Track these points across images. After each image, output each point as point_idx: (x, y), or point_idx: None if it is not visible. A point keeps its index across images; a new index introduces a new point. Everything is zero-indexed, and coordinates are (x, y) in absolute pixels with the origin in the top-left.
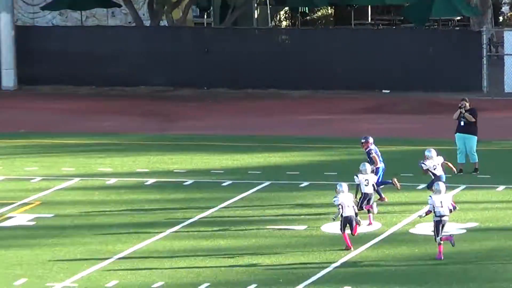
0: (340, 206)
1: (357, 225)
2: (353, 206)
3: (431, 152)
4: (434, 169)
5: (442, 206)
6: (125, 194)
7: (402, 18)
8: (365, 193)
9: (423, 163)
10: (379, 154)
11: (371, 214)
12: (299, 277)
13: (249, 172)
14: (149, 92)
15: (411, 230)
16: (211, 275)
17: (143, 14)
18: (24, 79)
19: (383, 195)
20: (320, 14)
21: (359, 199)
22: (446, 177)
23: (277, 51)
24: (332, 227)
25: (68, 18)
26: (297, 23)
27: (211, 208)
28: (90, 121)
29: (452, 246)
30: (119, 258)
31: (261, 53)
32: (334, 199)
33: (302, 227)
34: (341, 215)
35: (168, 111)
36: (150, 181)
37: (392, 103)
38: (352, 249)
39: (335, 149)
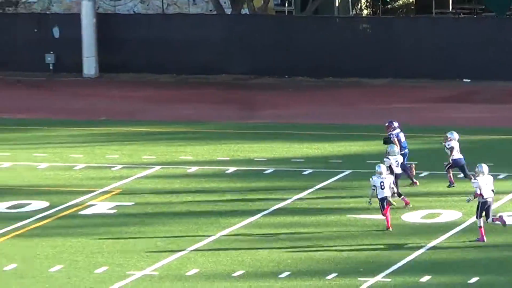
0: (374, 187)
1: (389, 205)
2: (390, 187)
3: (454, 134)
4: (457, 152)
5: (486, 188)
6: (206, 182)
7: (483, 7)
8: (396, 174)
9: (448, 143)
10: (401, 139)
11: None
12: (379, 266)
13: (329, 160)
14: (230, 80)
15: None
16: (291, 264)
17: (224, 2)
18: (105, 66)
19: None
20: (401, 2)
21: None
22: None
23: (358, 39)
24: (413, 217)
25: (150, 6)
26: (378, 11)
27: (291, 196)
28: (171, 109)
29: (504, 226)
30: (200, 247)
31: (342, 42)
32: (370, 179)
33: (383, 216)
34: (377, 197)
35: (249, 99)
36: (231, 169)
37: (473, 92)
38: (391, 229)
39: (416, 138)
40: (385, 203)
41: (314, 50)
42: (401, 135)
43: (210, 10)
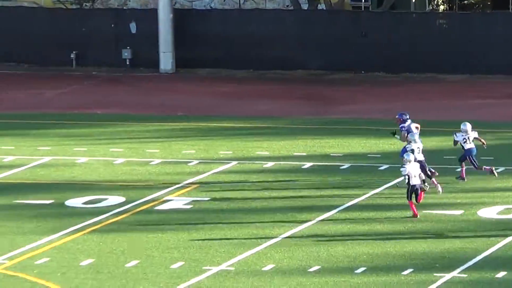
0: (407, 176)
1: (422, 192)
2: (419, 175)
3: (466, 125)
4: (464, 142)
5: None
6: (282, 177)
7: None
8: (419, 160)
9: (455, 134)
10: (415, 131)
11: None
12: (455, 262)
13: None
14: (306, 76)
15: None
16: (367, 260)
17: None
18: (181, 62)
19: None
20: None
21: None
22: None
23: (435, 35)
24: (489, 212)
25: (226, 1)
26: (454, 7)
27: (367, 192)
28: (247, 105)
29: None
30: (276, 242)
31: (418, 37)
32: (402, 168)
33: (458, 212)
34: (408, 184)
35: (325, 94)
36: (307, 164)
37: None
38: (418, 216)
39: (492, 133)
40: (413, 192)
41: (390, 45)
42: (413, 127)
43: (287, 6)
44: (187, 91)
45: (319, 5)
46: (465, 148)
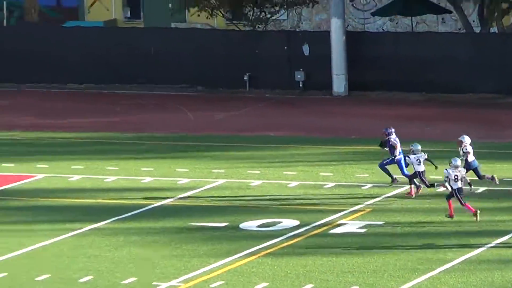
0: (447, 179)
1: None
2: (463, 179)
3: (465, 138)
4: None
5: None
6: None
7: None
8: (418, 172)
9: (465, 148)
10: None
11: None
12: None
13: None
14: (478, 100)
15: None
16: None
17: (473, 21)
18: (354, 84)
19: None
20: None
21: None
22: None
23: None
24: None
25: (399, 24)
26: None
27: None
28: (418, 128)
29: None
30: (450, 267)
31: None
32: (444, 171)
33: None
34: (451, 187)
35: (497, 119)
36: (481, 189)
37: None
38: (454, 217)
39: None
40: (457, 193)
41: None
42: (397, 140)
43: (459, 29)
44: (360, 114)
45: (491, 28)
46: (469, 161)
